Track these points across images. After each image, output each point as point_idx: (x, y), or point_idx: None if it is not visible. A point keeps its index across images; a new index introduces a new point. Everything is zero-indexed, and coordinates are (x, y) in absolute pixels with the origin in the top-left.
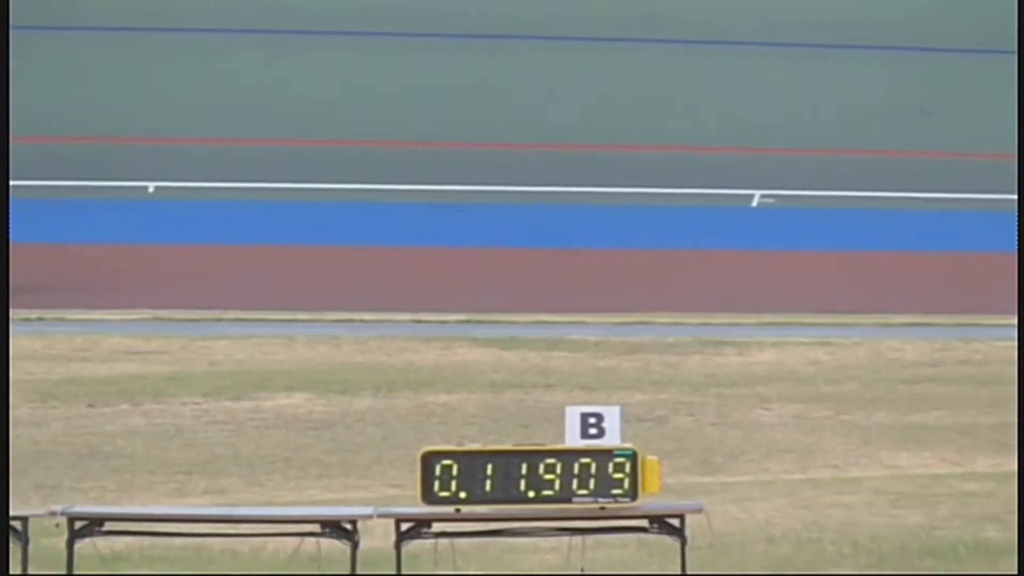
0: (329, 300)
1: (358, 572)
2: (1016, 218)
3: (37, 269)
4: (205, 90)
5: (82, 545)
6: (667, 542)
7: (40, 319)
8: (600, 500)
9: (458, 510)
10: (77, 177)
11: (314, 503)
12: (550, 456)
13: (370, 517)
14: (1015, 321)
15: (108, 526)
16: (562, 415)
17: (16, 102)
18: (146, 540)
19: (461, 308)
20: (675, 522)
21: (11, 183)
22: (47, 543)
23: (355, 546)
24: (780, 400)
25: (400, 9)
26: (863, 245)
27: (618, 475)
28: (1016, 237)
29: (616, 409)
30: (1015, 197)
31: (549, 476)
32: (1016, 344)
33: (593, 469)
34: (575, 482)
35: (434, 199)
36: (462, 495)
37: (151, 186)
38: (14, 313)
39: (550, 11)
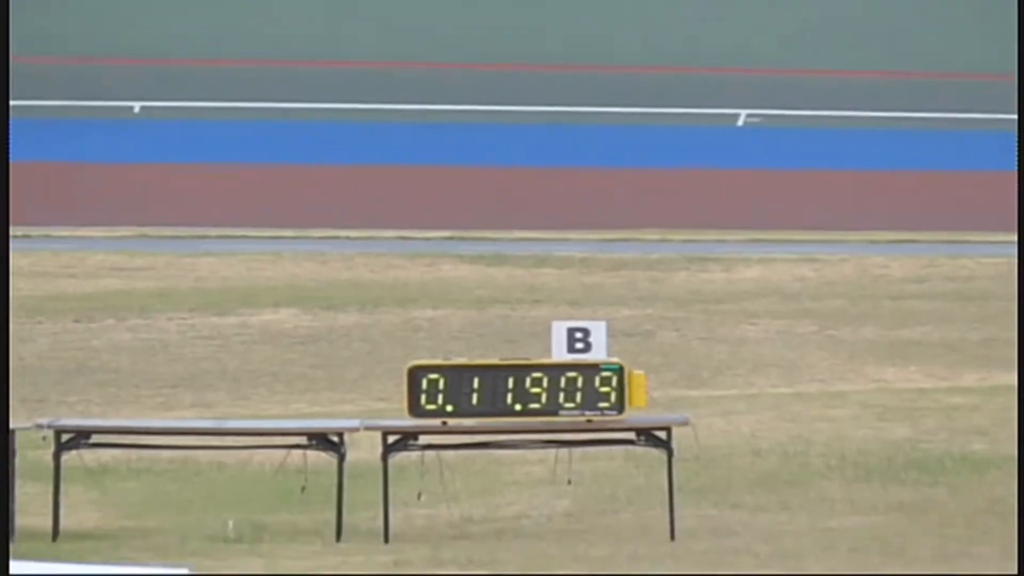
0: (315, 217)
1: (345, 484)
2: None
3: (23, 187)
4: (191, 10)
5: (68, 457)
6: (654, 454)
7: (26, 236)
8: (587, 413)
9: (445, 423)
10: (63, 96)
11: (300, 417)
12: (537, 370)
13: (357, 429)
14: (1002, 239)
15: (94, 438)
16: (548, 330)
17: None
18: (132, 453)
19: (447, 225)
20: (662, 434)
21: None
22: (33, 456)
23: (342, 458)
24: (766, 316)
25: None
26: (848, 164)
27: (605, 389)
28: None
29: (603, 324)
30: (1000, 116)
31: (536, 390)
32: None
33: (580, 383)
34: (562, 396)
35: (421, 119)
36: (448, 408)
37: (136, 106)
38: None
39: None
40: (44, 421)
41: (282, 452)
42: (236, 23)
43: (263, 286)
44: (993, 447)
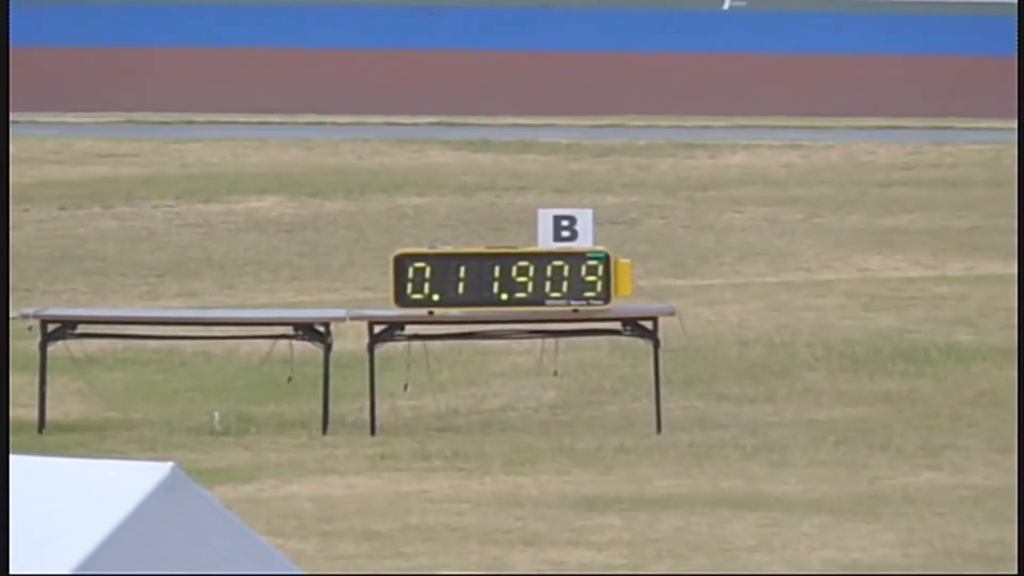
0: (302, 102)
1: (331, 375)
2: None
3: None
4: None
5: (55, 348)
6: (640, 344)
7: (13, 122)
8: (573, 303)
9: (431, 312)
10: None
11: (287, 306)
12: (523, 259)
13: (343, 319)
14: (986, 125)
15: (81, 328)
16: (534, 218)
17: None
18: (119, 343)
19: (433, 111)
20: (648, 325)
21: None
22: (20, 346)
23: (328, 348)
24: (752, 203)
25: None
26: (834, 48)
27: (591, 278)
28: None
29: (589, 212)
30: (987, 1)
31: (522, 279)
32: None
33: (566, 272)
34: (548, 284)
35: (408, 2)
36: (435, 298)
37: None
38: None
39: None
40: (30, 311)
41: (268, 342)
42: None
43: (249, 172)
44: (979, 338)
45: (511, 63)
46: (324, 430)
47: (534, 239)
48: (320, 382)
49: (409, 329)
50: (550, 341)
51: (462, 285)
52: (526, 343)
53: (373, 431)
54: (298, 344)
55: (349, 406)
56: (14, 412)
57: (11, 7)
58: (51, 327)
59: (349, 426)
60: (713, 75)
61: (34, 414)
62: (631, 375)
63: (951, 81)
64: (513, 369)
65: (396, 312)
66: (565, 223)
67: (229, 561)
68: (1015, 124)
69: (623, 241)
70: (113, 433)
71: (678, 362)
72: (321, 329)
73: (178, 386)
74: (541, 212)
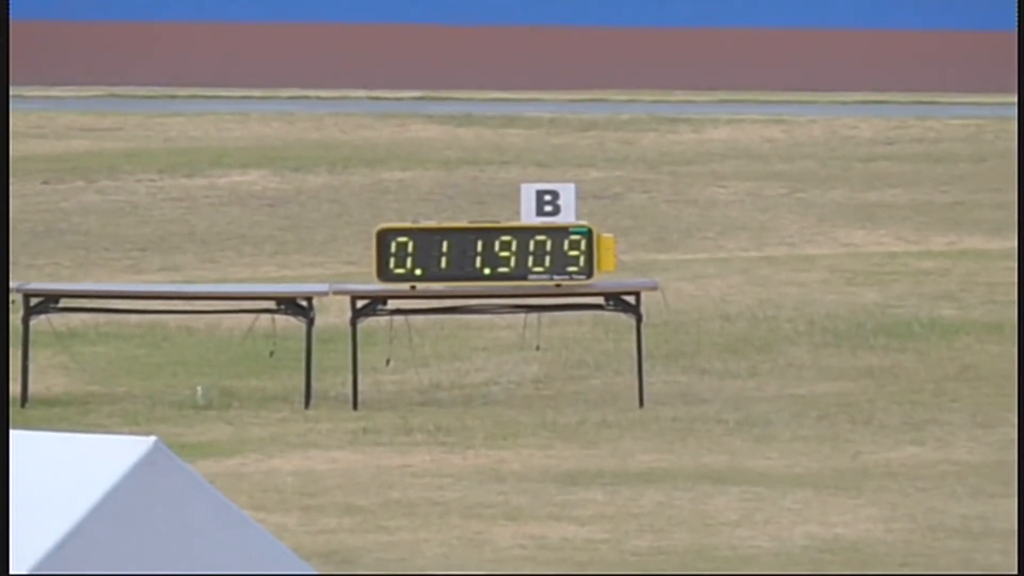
0: (284, 76)
1: (313, 348)
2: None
3: None
4: None
5: (37, 322)
6: (623, 319)
7: None
8: (556, 277)
9: (413, 287)
10: None
11: (269, 280)
12: (505, 233)
13: (326, 294)
14: (969, 100)
15: (63, 303)
16: (517, 192)
17: None
18: (101, 317)
19: (416, 85)
20: (631, 299)
21: None
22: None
23: (310, 323)
24: (735, 177)
25: None
26: (817, 23)
27: (574, 252)
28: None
29: (571, 186)
30: None
31: (505, 253)
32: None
33: (549, 246)
34: (531, 259)
35: None
36: (417, 272)
37: None
38: None
39: None
40: (13, 285)
41: (250, 317)
42: None
43: (232, 147)
44: (962, 312)
45: (494, 37)
46: (306, 404)
47: (517, 214)
48: (302, 356)
49: (392, 304)
50: (533, 316)
51: (445, 260)
52: (509, 318)
53: (355, 406)
54: (280, 318)
55: (331, 380)
56: None
57: None
58: (34, 301)
59: (331, 400)
60: (696, 49)
61: (16, 388)
62: (614, 350)
63: (934, 56)
64: (496, 344)
65: (378, 287)
66: (548, 198)
67: (211, 535)
68: (999, 99)
69: (606, 216)
70: (96, 407)
71: (661, 337)
72: (303, 303)
73: (161, 360)
74: (524, 187)
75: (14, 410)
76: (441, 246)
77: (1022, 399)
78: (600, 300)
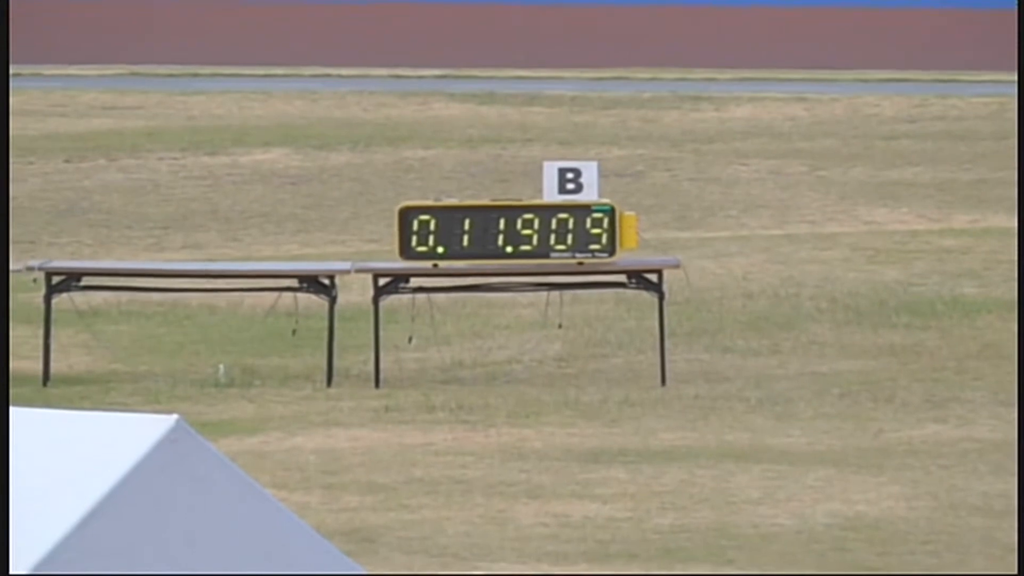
0: (307, 54)
1: (335, 327)
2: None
3: (13, 24)
4: None
5: (59, 300)
6: (645, 297)
7: (17, 74)
8: (578, 255)
9: (435, 265)
10: None
11: (292, 258)
12: (528, 211)
13: (348, 272)
14: (991, 78)
15: (85, 281)
16: (540, 170)
17: None
18: (123, 295)
19: (439, 63)
20: (653, 277)
21: None
22: (24, 298)
23: (333, 301)
24: (757, 156)
25: None
26: (839, 1)
27: (596, 230)
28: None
29: (594, 164)
30: None
31: (527, 231)
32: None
33: (571, 224)
34: (553, 237)
35: None
36: (439, 250)
37: None
38: None
39: None
40: (35, 263)
41: (273, 295)
42: None
43: (254, 125)
44: (984, 290)
45: (516, 15)
46: (328, 383)
47: (539, 192)
48: (325, 335)
49: (414, 282)
50: (555, 294)
51: (467, 238)
52: (531, 296)
53: (377, 384)
54: (303, 296)
55: (354, 359)
56: (18, 365)
57: None
58: (56, 279)
59: (353, 379)
60: (718, 28)
61: (38, 367)
62: (636, 328)
63: (956, 34)
64: (518, 322)
65: (401, 264)
66: (570, 175)
67: (233, 514)
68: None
69: (628, 194)
70: (117, 385)
71: (683, 315)
72: (326, 281)
73: (183, 339)
74: (546, 165)
75: (35, 389)
76: (463, 224)
77: (1022, 383)
78: (622, 278)
